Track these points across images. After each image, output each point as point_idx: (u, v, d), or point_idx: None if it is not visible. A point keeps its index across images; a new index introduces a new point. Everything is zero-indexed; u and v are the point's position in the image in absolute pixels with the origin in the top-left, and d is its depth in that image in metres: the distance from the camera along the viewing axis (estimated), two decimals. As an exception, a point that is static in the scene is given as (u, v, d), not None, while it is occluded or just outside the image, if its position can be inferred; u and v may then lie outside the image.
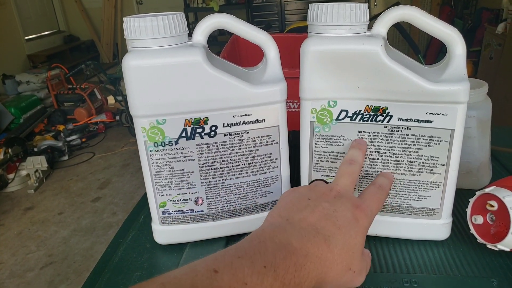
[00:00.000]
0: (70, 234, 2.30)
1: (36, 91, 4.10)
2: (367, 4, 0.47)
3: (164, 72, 0.45)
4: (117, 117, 3.56)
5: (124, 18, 0.45)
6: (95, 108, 3.73)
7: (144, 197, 0.65)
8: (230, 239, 0.55)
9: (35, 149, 3.01)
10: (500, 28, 2.80)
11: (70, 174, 2.99)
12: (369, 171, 0.50)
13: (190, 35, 0.49)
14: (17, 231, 2.37)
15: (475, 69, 3.29)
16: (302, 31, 0.88)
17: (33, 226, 2.41)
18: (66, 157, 3.15)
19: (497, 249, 0.46)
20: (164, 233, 0.53)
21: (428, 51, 4.39)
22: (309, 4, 0.48)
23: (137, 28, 0.44)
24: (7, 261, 2.11)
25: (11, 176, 2.75)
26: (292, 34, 1.08)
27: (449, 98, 0.45)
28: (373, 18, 0.45)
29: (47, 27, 5.91)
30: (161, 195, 0.51)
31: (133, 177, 2.86)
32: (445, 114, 0.46)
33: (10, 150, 2.75)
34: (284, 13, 4.88)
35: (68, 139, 3.30)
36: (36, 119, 3.53)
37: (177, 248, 0.54)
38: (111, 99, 3.94)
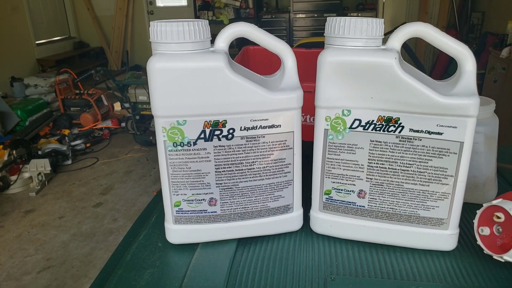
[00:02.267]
0: (69, 239, 2.30)
1: (43, 95, 4.14)
2: (383, 20, 0.49)
3: (187, 75, 0.47)
4: (123, 124, 3.58)
5: (151, 22, 0.47)
6: (101, 114, 3.76)
7: (156, 198, 0.66)
8: (241, 241, 0.56)
9: (39, 152, 3.02)
10: (505, 53, 2.84)
11: (73, 178, 2.99)
12: (380, 179, 0.51)
13: (212, 42, 0.51)
14: (16, 233, 2.37)
15: (479, 91, 3.32)
16: (311, 47, 0.91)
17: (32, 229, 2.41)
18: (69, 162, 3.16)
19: (503, 261, 0.47)
20: (177, 232, 0.54)
21: (434, 71, 4.43)
22: (327, 18, 0.50)
23: (163, 32, 0.46)
24: (4, 263, 2.10)
25: (13, 178, 2.76)
26: (301, 49, 1.10)
27: (459, 112, 0.47)
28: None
29: (58, 32, 5.99)
30: (177, 195, 0.52)
31: (136, 184, 2.87)
32: (455, 127, 0.48)
33: (14, 152, 2.76)
34: (293, 29, 4.95)
35: (73, 143, 3.32)
36: (42, 122, 3.56)
37: (189, 248, 0.55)
38: (117, 106, 3.97)
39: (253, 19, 5.18)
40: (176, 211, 0.53)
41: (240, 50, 1.11)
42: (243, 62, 1.14)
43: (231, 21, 5.13)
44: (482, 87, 3.30)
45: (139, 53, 6.05)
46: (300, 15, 4.85)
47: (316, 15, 4.80)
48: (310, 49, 1.11)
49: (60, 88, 3.77)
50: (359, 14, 4.80)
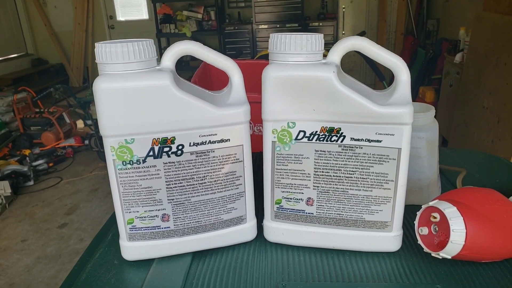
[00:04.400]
0: (33, 262, 2.23)
1: (0, 115, 4.00)
2: (322, 35, 0.51)
3: (133, 95, 0.48)
4: (86, 141, 3.51)
5: (96, 44, 0.48)
6: (64, 132, 3.67)
7: (113, 216, 0.66)
8: (196, 255, 0.57)
9: (-2, 174, 2.92)
10: (458, 58, 2.98)
11: (36, 199, 2.90)
12: (325, 187, 0.54)
13: (159, 60, 0.52)
14: (-23, 259, 2.27)
15: (437, 95, 3.45)
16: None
17: (-6, 254, 2.32)
18: (31, 182, 3.06)
19: (440, 257, 0.50)
20: (131, 249, 0.55)
21: (393, 78, 4.57)
22: (270, 34, 0.52)
23: (108, 53, 0.47)
24: (-35, 291, 2.01)
25: (-28, 202, 2.66)
26: (259, 61, 1.13)
27: (396, 120, 0.50)
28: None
29: (15, 49, 5.83)
30: (129, 212, 0.53)
31: (102, 202, 2.81)
32: (393, 134, 0.51)
33: (-28, 175, 2.66)
34: (256, 40, 5.01)
35: (34, 163, 3.22)
36: (0, 143, 3.44)
37: (144, 264, 0.55)
38: (80, 123, 3.89)
39: (215, 31, 5.22)
40: (130, 228, 0.54)
41: (201, 64, 1.13)
42: (204, 75, 1.16)
43: (194, 34, 5.14)
44: (440, 92, 3.43)
45: (102, 69, 5.95)
46: (263, 26, 4.93)
47: (278, 26, 4.89)
48: (266, 61, 1.14)
49: (19, 107, 3.66)
50: (320, 24, 4.93)
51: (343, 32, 4.95)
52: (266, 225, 0.58)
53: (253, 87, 0.71)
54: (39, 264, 2.21)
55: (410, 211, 0.62)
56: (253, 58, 3.67)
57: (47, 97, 3.57)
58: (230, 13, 5.46)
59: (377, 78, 3.54)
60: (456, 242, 0.47)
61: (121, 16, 5.96)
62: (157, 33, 5.31)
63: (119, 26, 5.98)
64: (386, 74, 4.59)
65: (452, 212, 0.48)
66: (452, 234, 0.47)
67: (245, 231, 0.58)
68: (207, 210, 0.55)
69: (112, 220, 0.67)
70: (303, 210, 0.55)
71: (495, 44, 2.37)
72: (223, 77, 1.08)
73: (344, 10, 4.84)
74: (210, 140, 0.52)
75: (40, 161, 3.27)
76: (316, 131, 0.52)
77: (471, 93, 2.64)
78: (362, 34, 4.03)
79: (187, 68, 5.02)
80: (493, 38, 2.41)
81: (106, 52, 0.47)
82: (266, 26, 4.93)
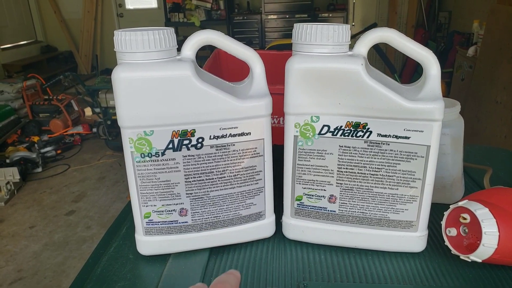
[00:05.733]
0: (41, 249, 2.24)
1: (10, 101, 4.00)
2: (349, 25, 0.49)
3: (153, 85, 0.46)
4: (94, 129, 3.51)
5: (115, 32, 0.46)
6: (72, 120, 3.67)
7: (126, 208, 0.65)
8: (214, 250, 0.55)
9: (7, 161, 2.93)
10: (471, 51, 2.92)
11: (44, 186, 2.91)
12: (349, 184, 0.52)
13: (178, 49, 0.50)
14: (-15, 245, 2.28)
15: (447, 89, 3.40)
16: (283, 48, 0.91)
17: (2, 240, 2.33)
18: (39, 169, 3.07)
19: (469, 260, 0.48)
20: (147, 243, 0.53)
21: (404, 71, 4.52)
22: (294, 24, 0.50)
23: (128, 41, 0.45)
24: (-26, 276, 2.03)
25: (-19, 187, 2.67)
26: (273, 51, 1.10)
27: (425, 116, 0.48)
28: (351, 38, 0.48)
29: (24, 36, 5.82)
30: (146, 206, 0.51)
31: (109, 191, 2.81)
32: (422, 131, 0.48)
33: (-19, 161, 2.67)
34: (265, 30, 4.96)
35: (43, 150, 3.23)
36: (9, 130, 3.44)
37: (160, 259, 0.54)
38: (88, 111, 3.89)
39: (224, 20, 5.17)
40: (146, 222, 0.52)
41: (212, 53, 1.10)
42: (214, 65, 1.14)
43: (202, 23, 5.10)
44: (451, 85, 3.39)
45: (109, 57, 5.94)
46: (272, 16, 4.87)
47: (287, 16, 4.83)
48: (281, 51, 1.11)
49: (28, 94, 3.66)
50: (330, 15, 4.87)
51: (353, 24, 4.88)
52: (285, 221, 0.56)
53: (267, 78, 0.69)
54: (47, 250, 2.22)
55: (431, 209, 0.60)
56: (263, 49, 3.63)
57: (57, 84, 3.57)
58: (239, 3, 5.41)
59: (386, 70, 3.49)
60: (488, 245, 0.45)
61: (130, 5, 5.92)
62: (165, 22, 5.28)
63: (128, 15, 5.95)
64: (396, 67, 4.54)
65: (484, 214, 0.46)
66: (484, 236, 0.45)
67: (264, 228, 0.56)
68: (226, 205, 0.53)
69: (126, 212, 0.65)
70: (325, 208, 0.54)
71: (510, 37, 2.32)
72: (234, 67, 1.05)
73: (354, 1, 4.77)
74: (230, 133, 0.50)
75: (48, 148, 3.28)
76: (341, 126, 0.50)
77: (484, 87, 2.60)
78: (373, 26, 3.98)
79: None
80: (508, 31, 2.36)
81: (125, 40, 0.45)
82: (275, 16, 4.87)
